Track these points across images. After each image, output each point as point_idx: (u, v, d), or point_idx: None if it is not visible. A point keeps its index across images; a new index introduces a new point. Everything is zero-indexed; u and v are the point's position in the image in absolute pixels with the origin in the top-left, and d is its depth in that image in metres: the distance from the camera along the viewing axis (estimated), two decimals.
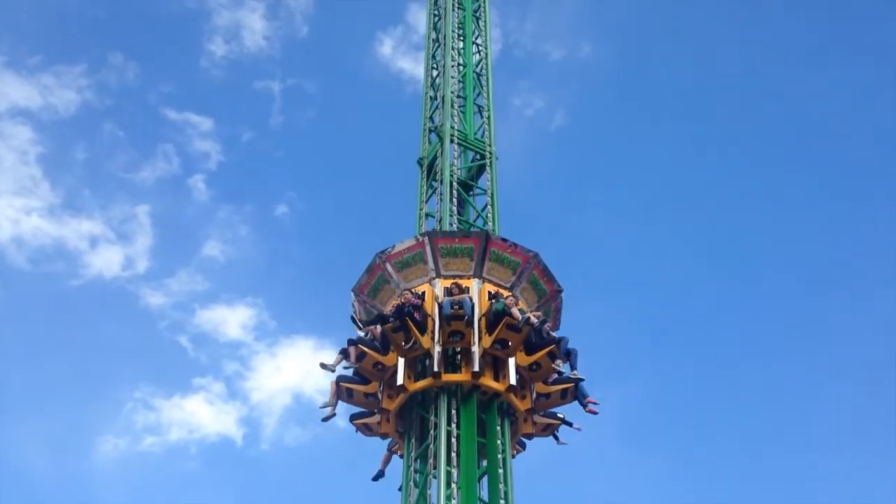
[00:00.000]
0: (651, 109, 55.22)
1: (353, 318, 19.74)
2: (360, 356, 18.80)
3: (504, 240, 19.94)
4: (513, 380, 18.35)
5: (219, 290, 52.81)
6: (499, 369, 18.66)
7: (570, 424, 19.92)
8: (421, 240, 19.79)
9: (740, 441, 47.25)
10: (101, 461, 48.13)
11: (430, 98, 24.98)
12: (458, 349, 18.74)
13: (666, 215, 53.38)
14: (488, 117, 24.42)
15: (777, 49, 53.93)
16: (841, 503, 44.20)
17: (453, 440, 17.89)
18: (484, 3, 27.20)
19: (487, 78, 25.47)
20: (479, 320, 18.66)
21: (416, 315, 18.49)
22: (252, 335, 51.71)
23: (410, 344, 18.37)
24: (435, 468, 17.74)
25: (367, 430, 19.86)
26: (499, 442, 18.40)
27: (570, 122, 53.86)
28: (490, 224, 21.79)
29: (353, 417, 19.90)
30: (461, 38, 26.02)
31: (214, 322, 51.95)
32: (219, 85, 55.22)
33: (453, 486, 17.31)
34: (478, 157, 23.62)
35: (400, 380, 18.38)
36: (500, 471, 17.92)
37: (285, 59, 55.75)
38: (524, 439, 19.96)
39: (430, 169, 23.43)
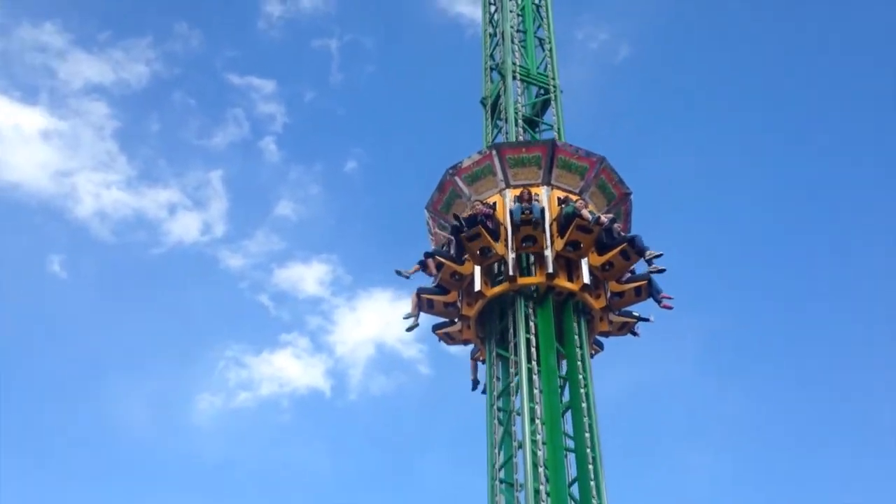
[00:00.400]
0: (718, 41, 54.02)
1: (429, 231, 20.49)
2: (438, 267, 19.58)
3: (571, 146, 20.40)
4: (586, 279, 18.92)
5: (294, 248, 54.31)
6: (572, 271, 19.22)
7: (646, 320, 20.42)
8: (488, 152, 20.36)
9: (820, 372, 46.98)
10: (200, 418, 50.08)
11: (490, 35, 24.68)
12: (532, 254, 19.33)
13: (735, 151, 52.18)
14: (550, 49, 23.95)
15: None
16: None
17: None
18: None
19: (547, 9, 24.99)
20: (551, 224, 19.23)
21: (489, 223, 19.14)
22: (330, 290, 52.93)
23: (485, 251, 19.05)
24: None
25: (449, 338, 20.72)
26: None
27: (636, 53, 53.05)
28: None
29: (435, 328, 20.76)
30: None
31: (293, 280, 52.85)
32: (278, 46, 56.06)
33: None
34: (542, 91, 23.22)
35: (477, 286, 19.12)
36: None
37: (340, 15, 56.21)
38: (601, 339, 20.56)
39: (494, 108, 23.24)
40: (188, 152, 54.56)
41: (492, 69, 23.98)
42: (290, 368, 51.38)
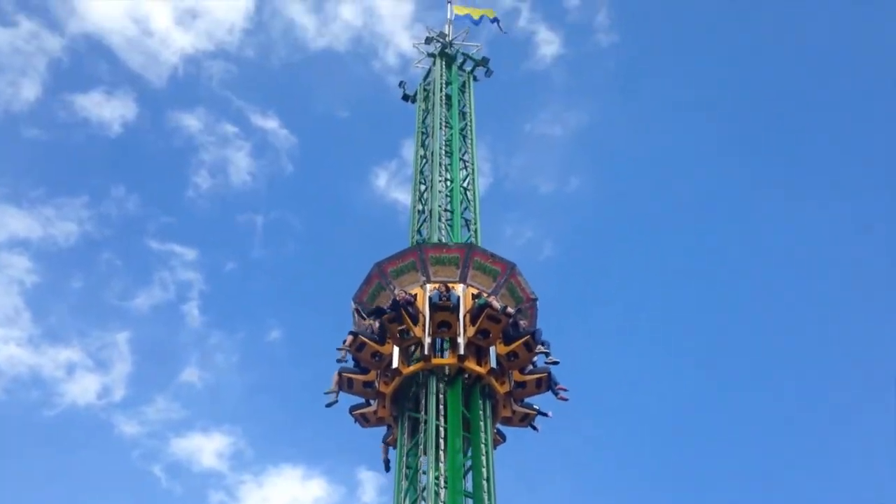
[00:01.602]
0: (637, 240, 58.43)
1: (355, 311, 22.54)
2: (360, 347, 21.57)
3: (486, 251, 23.07)
4: (493, 363, 21.13)
5: (197, 417, 53.92)
6: (481, 357, 21.43)
7: (545, 414, 22.53)
8: (413, 250, 22.88)
9: None
10: None
11: (418, 212, 26.34)
12: (446, 339, 21.51)
13: (654, 339, 55.74)
14: (475, 231, 25.66)
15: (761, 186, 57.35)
16: None
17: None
18: (470, 122, 29.34)
19: (475, 192, 26.89)
20: (465, 315, 21.54)
21: (410, 309, 21.39)
22: (228, 464, 52.38)
23: (404, 333, 21.19)
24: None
25: (364, 420, 22.40)
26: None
27: (560, 252, 56.93)
28: None
29: (352, 409, 22.47)
30: (448, 154, 27.53)
31: (189, 450, 52.41)
32: (204, 216, 58.19)
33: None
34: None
35: (395, 363, 21.14)
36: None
37: (271, 195, 59.32)
38: (503, 428, 22.46)
39: None
40: (105, 312, 54.92)
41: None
42: None
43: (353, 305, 23.34)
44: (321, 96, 61.47)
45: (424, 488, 19.48)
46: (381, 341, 21.60)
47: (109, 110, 55.92)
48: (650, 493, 50.75)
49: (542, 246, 55.60)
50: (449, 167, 27.04)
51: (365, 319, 22.08)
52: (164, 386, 54.90)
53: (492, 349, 21.39)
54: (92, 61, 57.53)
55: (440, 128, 28.19)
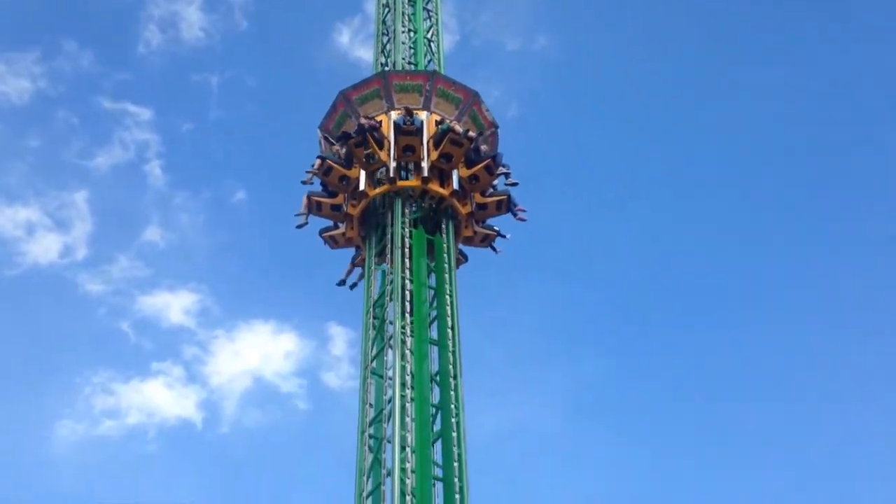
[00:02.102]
0: (601, 100, 57.49)
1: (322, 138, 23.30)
2: (328, 171, 22.44)
3: (449, 78, 23.71)
4: (455, 185, 22.15)
5: (160, 275, 53.59)
6: (444, 180, 22.41)
7: (503, 236, 23.82)
8: (377, 78, 23.46)
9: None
10: (60, 446, 48.34)
11: (381, 65, 25.93)
12: (411, 163, 22.42)
13: (617, 205, 55.68)
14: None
15: (735, 45, 56.69)
16: None
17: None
18: None
19: (439, 45, 26.37)
20: (428, 141, 22.37)
21: (375, 134, 22.17)
22: (196, 321, 52.05)
23: (370, 157, 22.05)
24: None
25: (333, 241, 23.51)
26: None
27: (525, 111, 55.78)
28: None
29: (321, 231, 23.53)
30: (412, 4, 26.63)
31: (157, 307, 52.15)
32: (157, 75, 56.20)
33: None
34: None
35: (362, 186, 22.08)
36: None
37: (226, 52, 57.35)
38: (464, 249, 23.72)
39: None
40: (64, 171, 53.68)
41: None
42: (160, 398, 50.27)
43: (319, 133, 24.07)
44: None
45: (392, 294, 20.88)
46: (348, 166, 22.46)
47: None
48: (608, 317, 52.98)
49: (508, 105, 55.75)
50: (412, 17, 26.48)
51: (332, 145, 22.85)
52: (127, 245, 54.25)
53: (454, 172, 22.37)
54: None
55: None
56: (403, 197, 22.05)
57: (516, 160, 24.10)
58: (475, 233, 23.36)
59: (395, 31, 25.91)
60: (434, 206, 22.38)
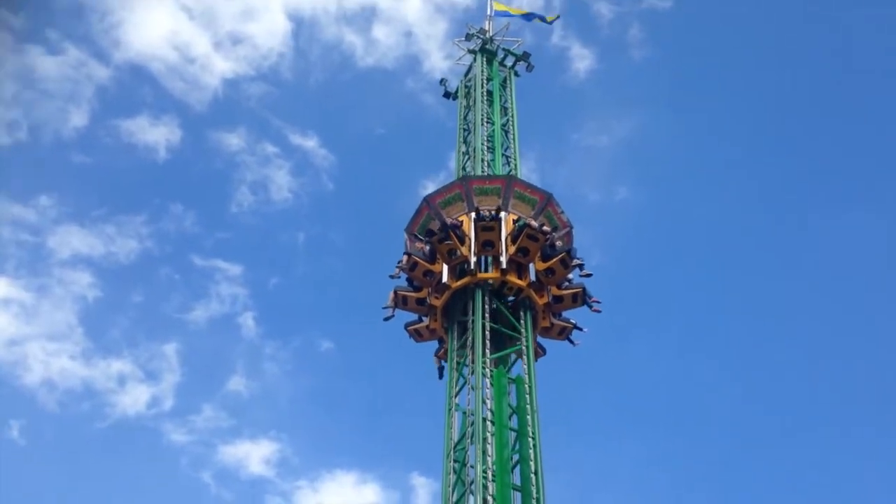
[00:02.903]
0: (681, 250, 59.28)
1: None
2: (413, 266, 24.16)
3: (525, 182, 25.52)
4: (532, 277, 23.55)
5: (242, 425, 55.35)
6: (521, 273, 23.86)
7: (580, 329, 24.92)
8: (459, 183, 25.42)
9: None
10: None
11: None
12: (490, 257, 24.00)
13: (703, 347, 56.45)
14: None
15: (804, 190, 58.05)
16: None
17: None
18: (512, 117, 29.97)
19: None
20: (506, 238, 23.98)
21: (457, 232, 23.93)
22: (287, 469, 53.67)
23: (452, 252, 23.73)
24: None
25: (417, 335, 24.92)
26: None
27: (608, 260, 57.90)
28: (523, 332, 23.53)
29: (407, 325, 25.01)
30: (491, 150, 28.55)
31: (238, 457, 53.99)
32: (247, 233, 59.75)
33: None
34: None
35: (444, 278, 23.66)
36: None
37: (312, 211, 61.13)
38: (542, 341, 24.80)
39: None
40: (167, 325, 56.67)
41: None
42: None
43: (405, 236, 25.92)
44: (361, 115, 62.94)
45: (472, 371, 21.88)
46: (432, 261, 24.16)
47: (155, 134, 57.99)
48: None
49: (591, 254, 56.96)
50: (492, 163, 28.34)
51: (417, 242, 24.63)
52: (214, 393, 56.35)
53: (531, 265, 23.82)
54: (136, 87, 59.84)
55: (482, 124, 29.22)
56: (483, 289, 23.50)
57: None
58: (552, 325, 24.50)
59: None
60: (513, 297, 23.73)
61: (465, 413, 22.09)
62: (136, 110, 60.34)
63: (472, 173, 27.32)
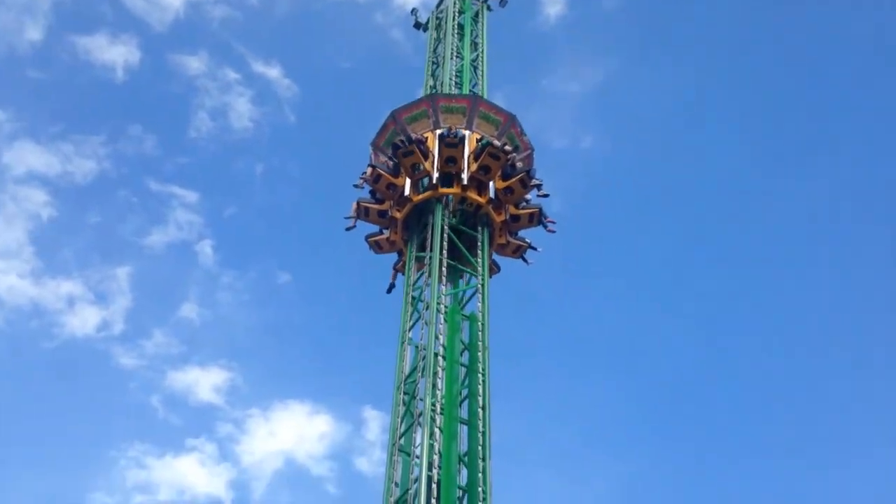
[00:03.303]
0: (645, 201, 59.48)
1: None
2: (377, 178, 24.79)
3: (490, 102, 26.13)
4: (492, 194, 24.33)
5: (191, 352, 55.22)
6: (482, 190, 24.60)
7: (534, 249, 25.82)
8: (425, 100, 25.95)
9: None
10: None
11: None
12: (452, 174, 24.67)
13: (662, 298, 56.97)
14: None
15: (770, 151, 58.46)
16: None
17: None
18: (482, 53, 30.08)
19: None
20: (468, 156, 24.65)
21: (421, 147, 24.54)
22: (239, 397, 53.82)
23: (415, 167, 24.38)
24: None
25: (377, 247, 25.66)
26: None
27: (568, 210, 59.02)
28: (480, 269, 23.81)
29: (367, 236, 25.72)
30: (458, 86, 28.47)
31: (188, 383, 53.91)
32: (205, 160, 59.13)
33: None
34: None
35: (407, 191, 24.34)
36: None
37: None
38: (498, 259, 25.68)
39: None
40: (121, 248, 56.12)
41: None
42: (192, 475, 51.65)
43: (370, 150, 26.46)
44: (327, 47, 62.40)
45: (427, 307, 22.32)
46: (395, 175, 24.80)
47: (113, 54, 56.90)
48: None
49: (552, 202, 57.20)
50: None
51: (382, 157, 25.23)
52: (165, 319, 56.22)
53: (491, 184, 24.58)
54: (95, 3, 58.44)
55: (451, 58, 29.23)
56: (444, 202, 24.25)
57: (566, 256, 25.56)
58: (508, 242, 25.37)
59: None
60: (471, 212, 24.50)
61: (417, 347, 22.22)
62: (94, 27, 58.99)
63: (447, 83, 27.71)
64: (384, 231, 25.53)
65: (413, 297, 23.47)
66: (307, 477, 52.73)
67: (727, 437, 52.18)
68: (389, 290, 25.56)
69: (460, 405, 21.19)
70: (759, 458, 50.16)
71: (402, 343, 22.66)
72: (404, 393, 21.67)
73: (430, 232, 23.99)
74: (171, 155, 59.19)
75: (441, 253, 23.36)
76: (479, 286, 23.45)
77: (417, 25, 32.91)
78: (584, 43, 60.80)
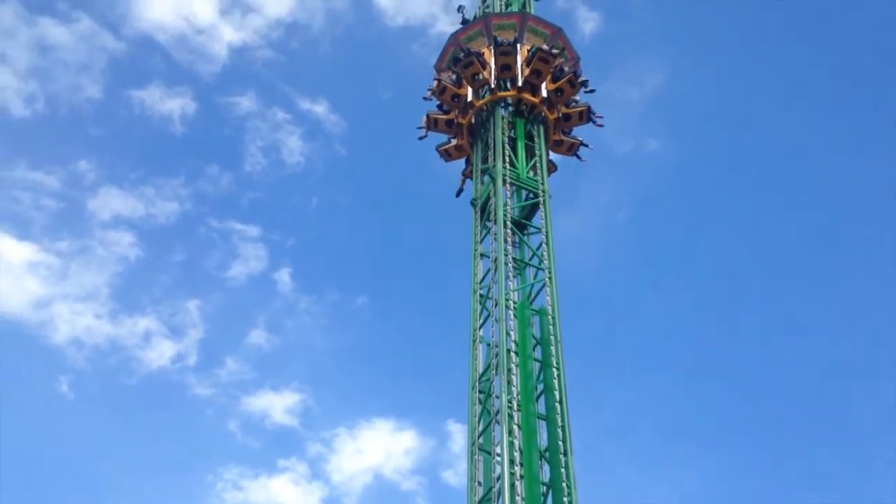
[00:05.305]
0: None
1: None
2: (442, 90, 28.15)
3: (538, 17, 29.31)
4: (545, 93, 27.50)
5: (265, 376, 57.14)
6: (535, 92, 27.80)
7: (586, 146, 28.90)
8: (480, 20, 29.27)
9: None
10: None
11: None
12: (508, 80, 27.91)
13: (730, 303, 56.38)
14: (540, 156, 27.12)
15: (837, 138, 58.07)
16: None
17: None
18: None
19: (540, 128, 27.61)
20: (521, 63, 27.86)
21: (480, 58, 27.85)
22: (327, 418, 55.29)
23: (475, 76, 27.68)
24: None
25: (447, 155, 28.97)
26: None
27: (636, 213, 58.22)
28: (546, 262, 24.24)
29: (438, 147, 29.06)
30: None
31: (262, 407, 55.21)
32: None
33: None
34: (531, 195, 26.02)
35: (469, 97, 27.64)
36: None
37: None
38: (553, 157, 28.76)
39: (484, 209, 25.76)
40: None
41: (483, 172, 27.16)
42: (286, 494, 52.97)
43: (434, 72, 29.81)
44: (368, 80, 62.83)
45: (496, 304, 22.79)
46: (458, 86, 28.13)
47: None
48: None
49: (621, 207, 57.38)
50: None
51: (445, 73, 28.57)
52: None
53: (543, 85, 27.73)
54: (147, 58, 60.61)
55: None
56: (503, 104, 27.50)
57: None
58: (562, 141, 28.47)
59: None
60: (527, 111, 27.69)
61: (489, 345, 22.67)
62: (148, 80, 61.04)
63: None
64: (452, 140, 28.82)
65: (481, 295, 23.99)
66: (396, 492, 53.77)
67: (797, 435, 52.70)
68: (458, 194, 28.74)
69: (537, 400, 21.35)
70: (828, 458, 50.82)
71: (474, 342, 23.04)
72: (480, 392, 21.96)
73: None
74: (234, 193, 61.41)
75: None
76: (547, 279, 23.86)
77: (465, 22, 30.63)
78: (621, 58, 61.03)
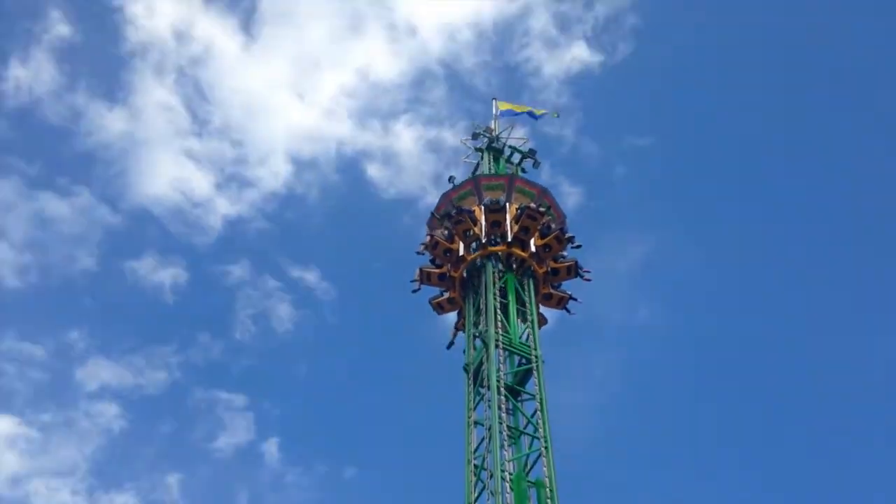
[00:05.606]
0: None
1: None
2: (435, 245, 29.31)
3: (525, 178, 30.92)
4: (533, 248, 28.66)
5: None
6: (524, 247, 28.96)
7: (575, 299, 29.80)
8: (470, 181, 30.85)
9: None
10: None
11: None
12: (498, 236, 29.13)
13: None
14: (532, 321, 27.52)
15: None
16: None
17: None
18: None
19: (529, 287, 28.46)
20: (511, 220, 29.19)
21: (471, 215, 29.20)
22: None
23: (467, 232, 28.92)
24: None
25: (439, 308, 29.78)
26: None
27: (631, 383, 60.66)
28: (541, 430, 24.33)
29: (431, 300, 29.92)
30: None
31: None
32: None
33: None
34: (524, 361, 26.24)
35: (461, 252, 28.75)
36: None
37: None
38: (544, 311, 29.55)
39: (477, 375, 25.78)
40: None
41: (475, 336, 27.26)
42: None
43: (426, 228, 31.06)
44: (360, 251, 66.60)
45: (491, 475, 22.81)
46: (450, 240, 29.31)
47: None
48: None
49: (611, 380, 59.25)
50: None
51: (438, 229, 29.83)
52: None
53: (532, 241, 28.93)
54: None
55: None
56: (493, 259, 28.57)
57: None
58: (552, 295, 29.38)
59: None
60: (517, 267, 28.72)
61: None
62: (142, 251, 64.16)
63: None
64: (444, 293, 29.69)
65: (475, 466, 23.76)
66: None
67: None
68: (449, 346, 29.36)
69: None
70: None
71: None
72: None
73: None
74: (224, 361, 63.24)
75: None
76: (543, 449, 23.76)
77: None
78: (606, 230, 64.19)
